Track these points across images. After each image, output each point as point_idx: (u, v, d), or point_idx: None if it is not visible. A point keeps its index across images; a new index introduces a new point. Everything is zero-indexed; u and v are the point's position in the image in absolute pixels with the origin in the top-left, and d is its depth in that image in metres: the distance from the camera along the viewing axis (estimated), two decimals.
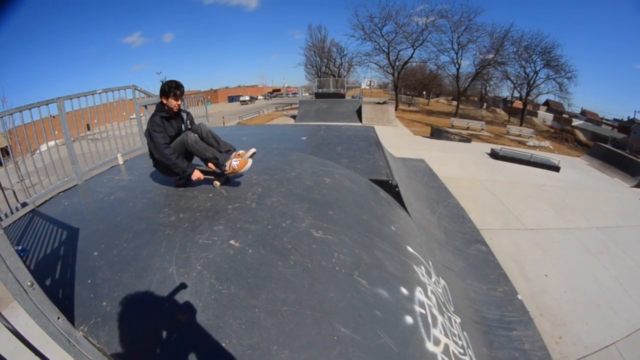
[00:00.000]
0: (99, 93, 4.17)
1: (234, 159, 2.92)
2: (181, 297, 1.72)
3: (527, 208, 8.62)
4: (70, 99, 3.75)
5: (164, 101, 2.88)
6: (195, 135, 2.96)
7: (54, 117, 3.63)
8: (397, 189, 4.11)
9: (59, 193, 3.44)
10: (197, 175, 2.94)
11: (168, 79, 2.99)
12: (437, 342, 2.24)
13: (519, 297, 4.24)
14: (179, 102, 2.91)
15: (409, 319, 2.06)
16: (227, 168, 2.90)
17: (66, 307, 1.66)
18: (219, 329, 1.56)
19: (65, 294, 1.79)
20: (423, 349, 1.99)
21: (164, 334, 1.56)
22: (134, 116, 5.03)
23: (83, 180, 3.70)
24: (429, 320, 2.33)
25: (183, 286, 1.78)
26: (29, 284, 1.18)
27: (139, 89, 5.03)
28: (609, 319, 4.87)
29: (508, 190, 9.92)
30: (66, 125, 3.71)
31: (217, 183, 3.08)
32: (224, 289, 1.78)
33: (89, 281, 1.86)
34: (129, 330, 1.57)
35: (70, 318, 1.56)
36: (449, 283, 3.44)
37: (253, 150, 3.05)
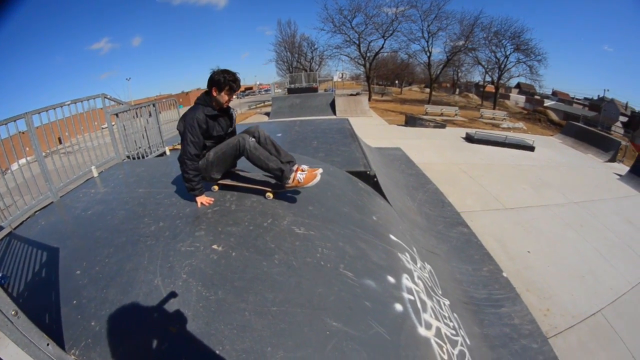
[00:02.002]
0: (68, 104, 4.02)
1: (298, 172, 2.58)
2: (170, 308, 1.69)
3: (505, 188, 8.80)
4: (39, 112, 3.59)
5: (215, 94, 2.46)
6: (254, 140, 2.61)
7: (22, 133, 3.46)
8: (375, 179, 4.15)
9: (35, 212, 3.30)
10: (203, 201, 2.66)
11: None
12: (428, 326, 2.27)
13: (504, 274, 4.32)
14: (232, 99, 2.57)
15: (398, 307, 2.08)
16: (290, 182, 2.55)
17: (55, 332, 1.62)
18: (211, 336, 1.54)
19: (52, 318, 1.75)
20: (416, 334, 2.01)
21: (157, 347, 1.53)
22: (106, 126, 4.87)
23: (58, 197, 3.56)
24: (419, 305, 2.36)
25: (170, 297, 1.75)
26: (12, 313, 1.14)
27: (108, 97, 4.88)
28: (593, 288, 5.05)
29: (485, 172, 10.10)
30: (36, 141, 3.55)
31: (270, 195, 2.80)
32: (211, 295, 1.75)
33: (75, 302, 1.82)
34: (121, 348, 1.54)
35: (60, 343, 1.53)
36: (435, 267, 3.48)
37: (321, 170, 2.72)
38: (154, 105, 5.79)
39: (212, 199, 2.70)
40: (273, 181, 2.81)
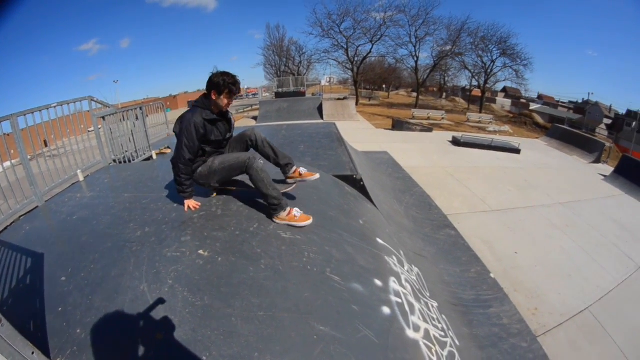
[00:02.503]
0: (54, 107, 3.97)
1: (294, 210, 2.50)
2: (156, 315, 1.67)
3: (491, 190, 8.95)
4: (24, 115, 3.53)
5: (214, 97, 2.37)
6: (263, 162, 2.49)
7: (7, 135, 3.42)
8: (362, 183, 4.13)
9: (20, 217, 3.24)
10: (190, 205, 2.62)
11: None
12: (416, 328, 2.26)
13: (492, 275, 4.33)
14: (232, 102, 2.48)
15: (386, 310, 2.08)
16: (284, 215, 2.47)
17: (40, 340, 1.60)
18: (197, 342, 1.52)
19: (37, 325, 1.72)
20: (404, 337, 2.02)
21: (143, 355, 1.50)
22: (92, 129, 4.81)
23: (44, 202, 3.50)
24: (406, 308, 2.35)
25: (156, 303, 1.73)
26: None
27: (95, 99, 4.85)
28: (580, 286, 5.16)
29: (472, 175, 10.25)
30: (21, 144, 3.49)
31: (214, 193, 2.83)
32: (197, 301, 1.73)
33: (60, 309, 1.79)
34: (107, 355, 1.52)
35: (46, 351, 1.51)
36: (422, 270, 3.47)
37: (318, 175, 2.81)
38: (141, 108, 5.77)
39: (199, 203, 2.67)
40: None
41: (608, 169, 13.48)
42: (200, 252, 2.07)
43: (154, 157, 5.72)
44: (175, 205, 2.75)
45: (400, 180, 7.49)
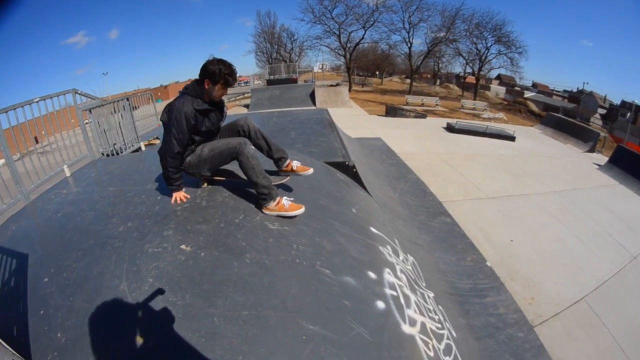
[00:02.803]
0: (37, 102, 3.81)
1: (284, 199, 2.36)
2: (135, 316, 1.59)
3: (486, 178, 8.87)
4: (6, 112, 3.39)
5: (207, 86, 2.20)
6: (254, 148, 2.37)
7: None
8: (354, 170, 4.01)
9: (8, 219, 3.12)
10: (178, 197, 2.46)
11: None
12: (413, 322, 2.18)
13: (488, 264, 4.30)
14: (226, 93, 2.31)
15: (380, 304, 1.97)
16: (274, 204, 2.34)
17: (22, 345, 1.57)
18: (177, 346, 1.42)
19: (19, 330, 1.68)
20: (399, 333, 1.92)
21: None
22: (86, 121, 4.67)
23: (30, 200, 3.38)
24: (402, 301, 2.26)
25: (136, 304, 1.63)
26: None
27: (79, 92, 4.65)
28: (576, 275, 5.14)
29: (466, 161, 10.15)
30: (4, 142, 3.38)
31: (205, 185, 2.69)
32: (178, 300, 1.61)
33: (42, 312, 1.72)
34: None
35: (27, 356, 1.50)
36: (418, 258, 3.40)
37: (311, 170, 2.68)
38: (127, 99, 5.61)
39: (189, 196, 2.52)
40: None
41: (602, 158, 13.51)
42: (183, 247, 1.94)
43: (143, 148, 5.60)
44: (159, 197, 2.60)
45: (394, 167, 7.39)
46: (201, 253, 1.89)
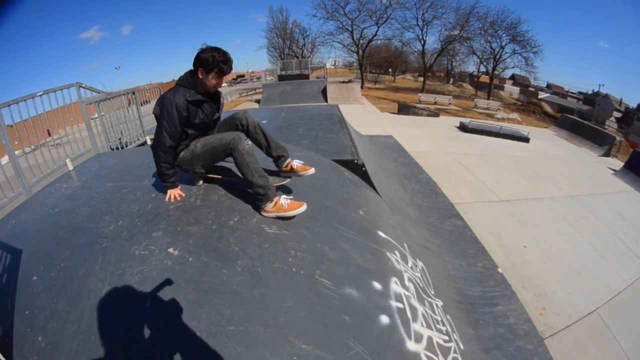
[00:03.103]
0: (40, 95, 3.76)
1: (282, 198, 2.20)
2: (114, 325, 1.49)
3: (500, 179, 8.63)
4: (8, 105, 3.37)
5: (201, 75, 2.07)
6: (250, 143, 2.21)
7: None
8: (364, 168, 3.84)
9: (9, 213, 3.08)
10: (172, 195, 2.32)
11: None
12: (419, 338, 2.02)
13: (500, 270, 4.15)
14: (221, 82, 2.18)
15: (384, 319, 1.81)
16: (271, 206, 2.18)
17: (6, 346, 1.54)
18: None
19: (5, 330, 1.64)
20: (404, 351, 1.76)
21: None
22: (96, 115, 4.71)
23: (32, 194, 3.34)
24: (408, 314, 2.10)
25: (116, 311, 1.55)
26: None
27: (83, 85, 4.60)
28: (589, 286, 4.96)
29: (480, 162, 9.90)
30: (6, 136, 3.36)
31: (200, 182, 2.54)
32: (159, 311, 1.50)
33: (27, 312, 1.68)
34: None
35: (10, 358, 1.48)
36: (427, 263, 3.27)
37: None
38: (133, 93, 5.55)
39: (184, 194, 2.38)
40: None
41: (617, 163, 13.04)
42: (170, 250, 1.80)
43: (148, 142, 5.52)
44: (154, 195, 2.46)
45: (405, 166, 7.23)
46: (189, 258, 1.74)
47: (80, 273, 1.78)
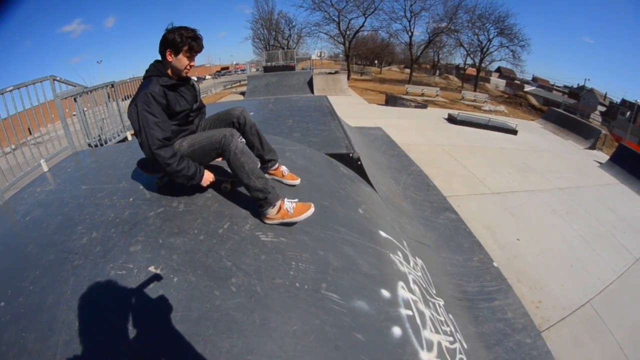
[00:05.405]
0: (10, 91, 3.44)
1: (286, 201, 1.97)
2: None
3: (490, 172, 8.66)
4: None
5: (170, 58, 1.84)
6: (244, 141, 1.97)
7: None
8: (359, 162, 3.67)
9: None
10: (208, 178, 1.98)
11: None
12: (430, 346, 1.89)
13: (495, 264, 4.13)
14: (193, 64, 1.92)
15: (396, 331, 1.64)
16: (273, 211, 1.94)
17: None
18: None
19: None
20: None
21: None
22: (75, 113, 4.37)
23: (4, 200, 3.03)
24: (418, 321, 1.97)
25: (90, 351, 1.29)
26: None
27: (58, 79, 4.26)
28: (582, 277, 5.06)
29: (469, 154, 9.90)
30: None
31: (227, 186, 2.21)
32: (141, 348, 1.26)
33: None
34: None
35: None
36: (426, 261, 3.17)
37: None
38: (112, 86, 5.18)
39: (212, 175, 2.04)
40: None
41: (603, 156, 13.41)
42: (151, 268, 1.54)
43: (129, 138, 5.25)
44: (131, 199, 2.18)
45: (395, 158, 7.08)
46: (174, 278, 1.49)
47: (50, 299, 1.53)
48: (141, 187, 2.31)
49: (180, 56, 1.82)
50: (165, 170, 1.82)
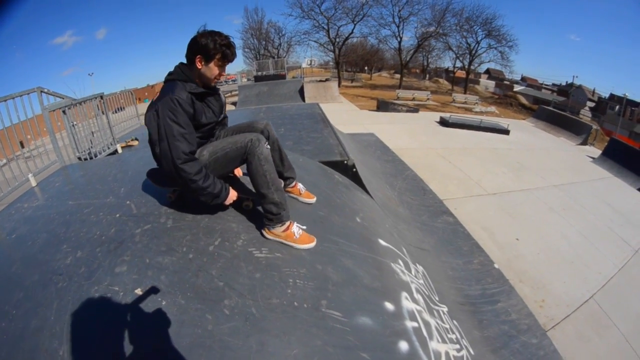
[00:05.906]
0: None
1: (294, 225, 1.89)
2: None
3: (485, 173, 8.67)
4: None
5: (200, 65, 1.70)
6: (269, 148, 1.86)
7: None
8: (354, 169, 3.62)
9: None
10: (232, 197, 1.86)
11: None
12: (438, 357, 1.82)
13: (496, 266, 4.08)
14: (224, 74, 1.79)
15: (403, 346, 1.55)
16: (280, 229, 1.86)
17: None
18: None
19: None
20: None
21: None
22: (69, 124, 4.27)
23: None
24: (424, 332, 1.88)
25: None
26: None
27: (44, 90, 4.12)
28: (583, 273, 5.04)
29: (463, 156, 9.93)
30: None
31: (249, 204, 2.11)
32: None
33: None
34: None
35: None
36: (426, 267, 3.12)
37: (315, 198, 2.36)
38: (101, 97, 5.09)
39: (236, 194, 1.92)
40: None
41: (595, 151, 13.55)
42: (138, 291, 1.44)
43: (119, 150, 5.12)
44: (118, 215, 2.08)
45: (389, 163, 7.03)
46: (162, 301, 1.38)
47: (33, 325, 1.42)
48: (128, 202, 2.21)
49: (212, 65, 1.70)
50: (188, 186, 1.68)
